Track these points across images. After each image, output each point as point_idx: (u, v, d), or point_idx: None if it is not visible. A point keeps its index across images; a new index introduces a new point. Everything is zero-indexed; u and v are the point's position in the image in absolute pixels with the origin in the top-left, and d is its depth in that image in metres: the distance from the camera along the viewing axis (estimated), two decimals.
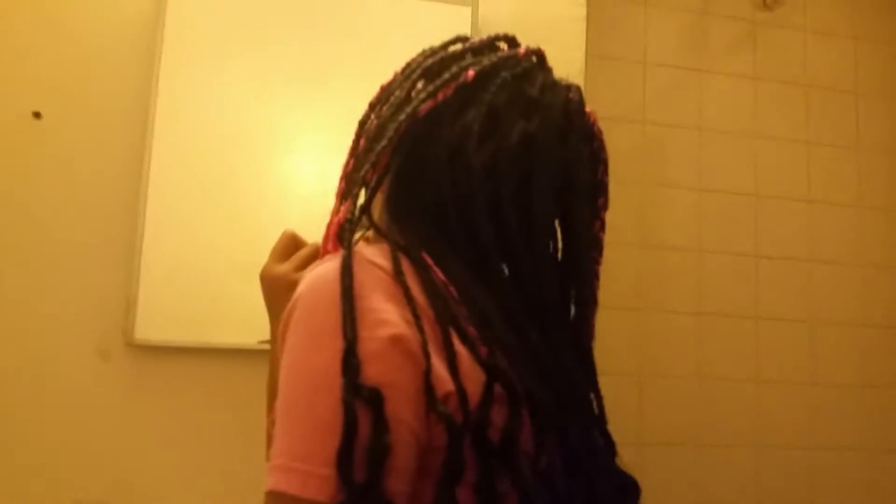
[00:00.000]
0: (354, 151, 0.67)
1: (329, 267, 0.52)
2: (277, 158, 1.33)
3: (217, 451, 1.22)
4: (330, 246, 0.62)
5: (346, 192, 0.64)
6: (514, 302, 0.58)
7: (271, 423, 0.66)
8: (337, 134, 1.23)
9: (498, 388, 0.50)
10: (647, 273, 1.59)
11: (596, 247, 0.66)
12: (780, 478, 1.59)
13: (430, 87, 0.61)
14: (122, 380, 1.18)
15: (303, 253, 0.75)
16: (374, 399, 0.46)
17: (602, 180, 0.67)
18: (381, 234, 0.59)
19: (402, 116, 0.60)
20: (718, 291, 1.63)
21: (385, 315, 0.50)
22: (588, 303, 0.65)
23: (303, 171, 1.33)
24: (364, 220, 0.61)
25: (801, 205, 1.71)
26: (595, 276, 0.66)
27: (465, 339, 0.51)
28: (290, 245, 0.76)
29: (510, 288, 0.59)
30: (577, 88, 0.65)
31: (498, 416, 0.50)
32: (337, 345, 0.47)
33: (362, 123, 0.67)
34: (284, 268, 0.74)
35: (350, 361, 0.47)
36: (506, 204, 0.60)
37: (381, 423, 0.46)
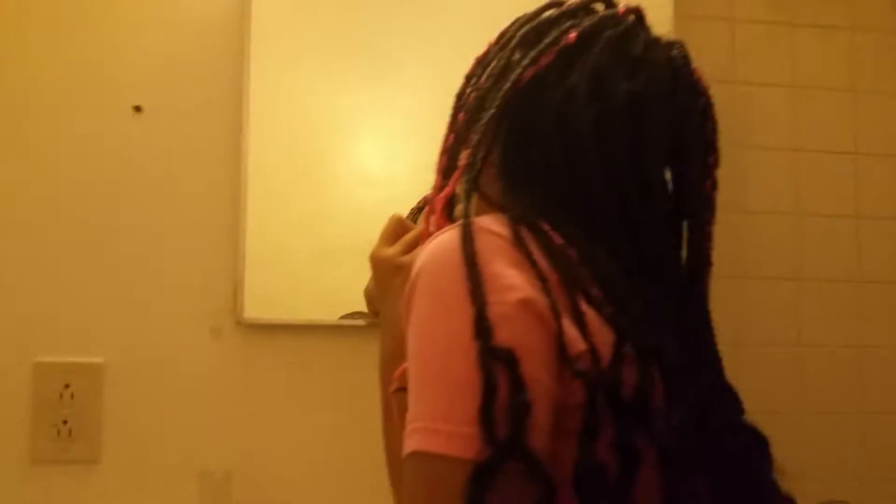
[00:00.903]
0: (453, 126, 0.68)
1: (449, 236, 0.54)
2: (359, 145, 1.38)
3: (323, 420, 1.28)
4: (437, 221, 0.63)
5: (448, 166, 0.66)
6: (632, 263, 0.59)
7: (388, 393, 0.68)
8: (406, 120, 1.32)
9: (627, 347, 0.51)
10: (743, 239, 1.55)
11: (709, 206, 0.66)
12: (886, 444, 1.54)
13: (533, 53, 0.61)
14: (234, 356, 1.25)
15: (409, 237, 0.76)
16: (510, 359, 0.47)
17: (712, 137, 0.66)
18: (493, 205, 0.60)
19: (507, 85, 0.61)
20: (818, 255, 1.57)
21: (510, 280, 0.51)
22: (703, 263, 0.65)
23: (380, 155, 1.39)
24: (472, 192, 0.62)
25: None
26: (709, 237, 0.66)
27: (590, 300, 0.52)
28: (398, 229, 0.77)
29: (627, 249, 0.59)
30: (681, 45, 0.65)
31: (629, 374, 0.51)
32: (466, 310, 0.48)
33: (459, 96, 0.69)
34: (392, 251, 0.75)
35: (482, 325, 0.48)
36: (617, 165, 0.60)
37: (518, 381, 0.47)
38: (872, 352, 1.57)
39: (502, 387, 0.46)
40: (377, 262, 0.76)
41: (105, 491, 1.16)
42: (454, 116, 0.69)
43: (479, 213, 0.60)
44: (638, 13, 0.66)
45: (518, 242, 0.53)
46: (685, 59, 0.64)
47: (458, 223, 0.55)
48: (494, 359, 0.47)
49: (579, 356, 0.50)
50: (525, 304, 0.50)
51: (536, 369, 0.48)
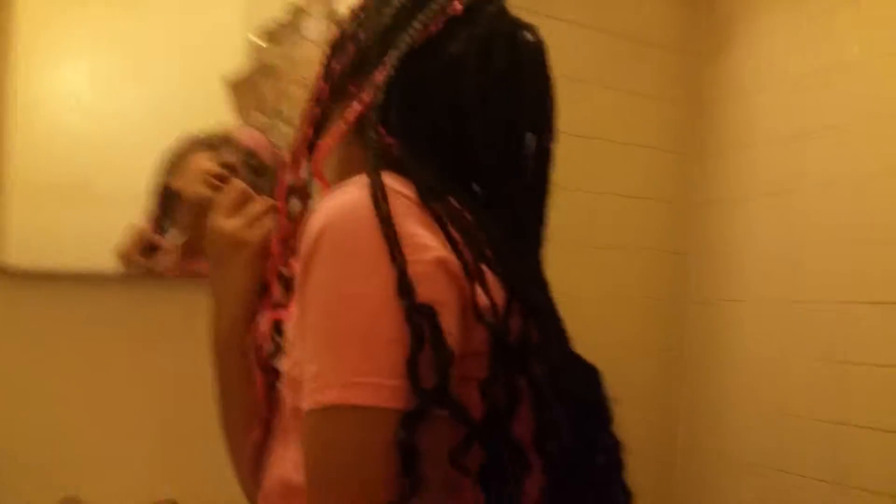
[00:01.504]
0: (328, 75, 0.71)
1: (356, 195, 0.56)
2: None
3: (98, 375, 1.17)
4: (317, 175, 0.68)
5: (320, 118, 0.70)
6: (508, 224, 0.66)
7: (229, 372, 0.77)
8: None
9: (515, 303, 0.58)
10: None
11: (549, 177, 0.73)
12: None
13: (423, 18, 0.65)
14: None
15: (255, 209, 0.77)
16: (431, 315, 0.52)
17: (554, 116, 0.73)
18: (399, 165, 0.61)
19: (401, 47, 0.64)
20: None
21: (424, 240, 0.55)
22: (544, 226, 0.72)
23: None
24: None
25: None
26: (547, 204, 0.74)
27: (486, 260, 0.58)
28: (239, 199, 0.78)
29: (505, 212, 0.67)
30: (536, 28, 0.71)
31: (515, 324, 0.58)
32: (387, 269, 0.52)
33: (335, 46, 0.71)
34: (234, 223, 0.76)
35: (405, 283, 0.52)
36: (497, 133, 0.67)
37: (439, 335, 0.52)
38: None
39: (427, 341, 0.51)
40: (215, 235, 0.76)
41: None
42: (327, 65, 0.71)
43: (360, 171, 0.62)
44: None
45: (426, 204, 0.57)
46: (543, 42, 0.70)
47: (357, 181, 0.57)
48: (419, 315, 0.51)
49: (484, 310, 0.55)
50: (440, 262, 0.54)
51: (450, 323, 0.53)
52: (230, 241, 0.77)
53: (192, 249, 1.30)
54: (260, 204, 0.79)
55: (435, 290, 0.53)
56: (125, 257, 1.24)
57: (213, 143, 1.35)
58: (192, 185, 1.30)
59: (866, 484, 1.53)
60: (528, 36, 0.70)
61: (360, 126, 0.64)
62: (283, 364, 0.66)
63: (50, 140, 1.15)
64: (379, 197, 0.55)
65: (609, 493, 0.67)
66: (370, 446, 0.51)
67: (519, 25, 0.70)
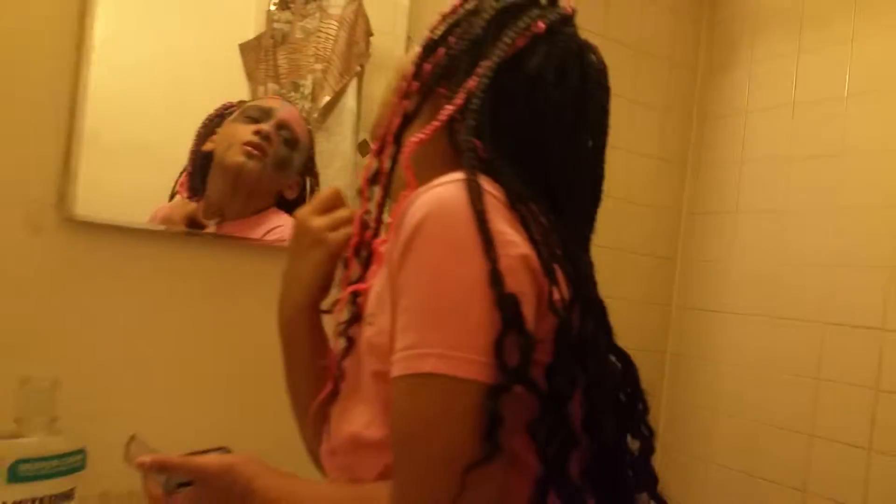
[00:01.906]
0: (419, 74, 0.77)
1: (454, 191, 0.63)
2: None
3: (162, 331, 1.23)
4: (406, 166, 0.73)
5: (410, 113, 0.77)
6: (573, 225, 0.75)
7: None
8: None
9: (579, 300, 0.66)
10: None
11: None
12: None
13: (511, 34, 0.73)
14: (61, 255, 1.13)
15: (340, 215, 0.86)
16: (516, 304, 0.59)
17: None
18: (488, 167, 0.68)
19: (494, 58, 0.72)
20: None
21: (511, 237, 0.63)
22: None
23: None
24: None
25: None
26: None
27: (558, 260, 0.65)
28: (332, 200, 0.88)
29: (572, 215, 0.76)
30: (597, 48, 0.80)
31: (575, 319, 0.65)
32: (479, 261, 0.60)
33: (426, 47, 0.78)
34: (320, 223, 0.86)
35: (496, 275, 0.59)
36: (567, 144, 0.76)
37: (522, 322, 0.59)
38: None
39: (512, 326, 0.59)
40: (302, 227, 0.86)
41: None
42: (419, 65, 0.78)
43: (442, 166, 0.69)
44: (574, 12, 0.79)
45: (513, 206, 0.65)
46: (604, 63, 0.80)
47: (454, 179, 0.64)
48: (507, 303, 0.59)
49: (556, 304, 0.63)
50: (524, 259, 0.62)
51: (529, 312, 0.61)
52: (313, 237, 0.86)
53: (223, 212, 1.35)
54: (346, 211, 0.87)
55: (519, 282, 0.61)
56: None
57: (250, 113, 1.41)
58: (228, 152, 1.36)
59: (832, 494, 1.66)
60: (594, 57, 0.79)
61: (448, 127, 0.72)
62: (364, 332, 0.74)
63: (122, 102, 1.21)
64: (475, 195, 0.62)
65: (640, 476, 0.73)
66: (456, 413, 0.59)
67: (587, 47, 0.78)
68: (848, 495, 1.63)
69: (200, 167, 1.37)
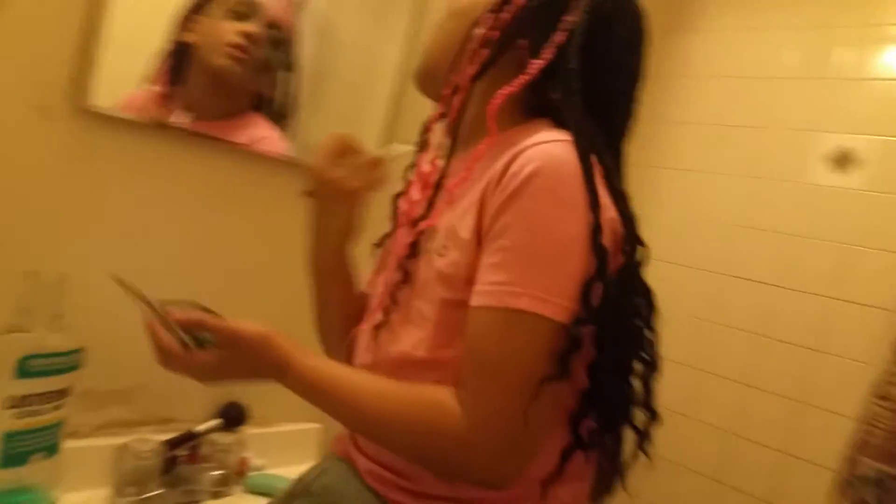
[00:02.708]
0: (497, 22, 0.80)
1: (564, 151, 0.71)
2: None
3: (174, 229, 1.22)
4: (493, 116, 0.78)
5: (487, 61, 0.81)
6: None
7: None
8: None
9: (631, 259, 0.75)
10: None
11: None
12: None
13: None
14: (72, 146, 1.07)
15: (357, 160, 0.93)
16: (606, 258, 0.69)
17: None
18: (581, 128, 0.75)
19: (583, 14, 0.79)
20: None
21: (605, 199, 0.71)
22: None
23: None
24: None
25: None
26: None
27: (623, 215, 0.74)
28: (342, 148, 0.92)
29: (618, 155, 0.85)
30: None
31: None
32: (584, 217, 0.69)
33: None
34: (338, 173, 0.92)
35: (597, 233, 0.69)
36: (631, 88, 0.84)
37: (607, 273, 0.69)
38: None
39: (601, 276, 0.69)
40: (321, 180, 0.93)
41: None
42: (496, 12, 0.81)
43: (517, 116, 0.81)
44: None
45: (604, 170, 0.73)
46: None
47: (563, 138, 0.72)
48: (601, 257, 0.69)
49: (625, 253, 0.73)
50: (612, 221, 0.72)
51: (611, 265, 0.70)
52: (334, 188, 0.92)
53: (203, 110, 1.29)
54: (362, 156, 0.91)
55: (607, 240, 0.69)
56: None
57: (237, 7, 1.33)
58: (212, 53, 1.29)
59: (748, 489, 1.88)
60: (636, 5, 0.84)
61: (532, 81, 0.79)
62: (434, 262, 0.79)
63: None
64: (585, 158, 0.70)
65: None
66: (541, 346, 0.68)
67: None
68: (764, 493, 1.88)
69: (179, 58, 1.29)
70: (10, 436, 0.94)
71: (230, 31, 1.29)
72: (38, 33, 1.01)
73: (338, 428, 0.86)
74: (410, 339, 0.80)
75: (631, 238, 0.74)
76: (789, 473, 1.80)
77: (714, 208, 2.03)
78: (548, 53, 0.78)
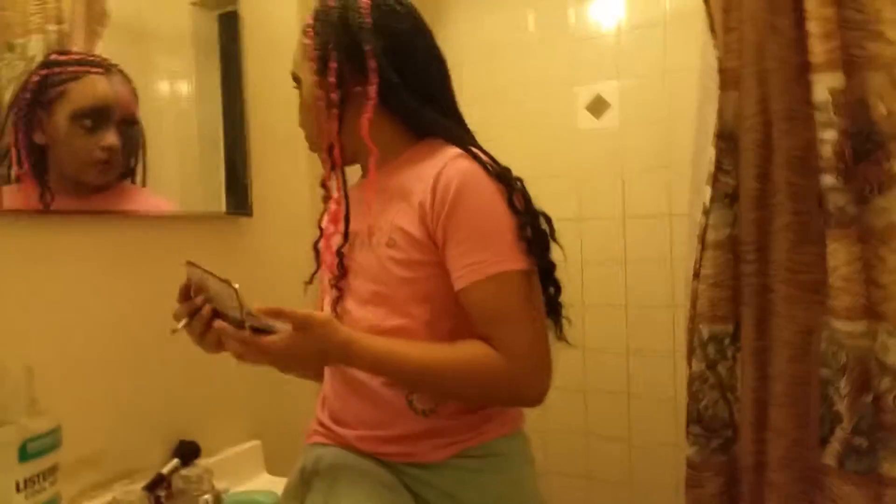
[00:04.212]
0: (329, 85, 1.04)
1: (464, 161, 1.01)
2: None
3: (86, 302, 1.32)
4: (369, 140, 1.03)
5: (338, 114, 1.04)
6: None
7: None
8: None
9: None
10: None
11: None
12: None
13: (362, 14, 1.03)
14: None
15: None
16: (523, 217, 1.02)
17: None
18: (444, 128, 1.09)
19: (373, 40, 1.03)
20: None
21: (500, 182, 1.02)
22: None
23: None
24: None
25: None
26: None
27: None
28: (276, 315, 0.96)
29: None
30: None
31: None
32: (500, 198, 1.00)
33: (320, 65, 1.05)
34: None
35: (512, 202, 1.00)
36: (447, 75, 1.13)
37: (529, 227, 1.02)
38: None
39: (528, 230, 1.00)
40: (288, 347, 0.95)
41: None
42: (323, 80, 1.05)
43: (382, 126, 1.06)
44: None
45: (485, 155, 1.05)
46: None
47: (458, 153, 1.02)
48: (519, 217, 1.00)
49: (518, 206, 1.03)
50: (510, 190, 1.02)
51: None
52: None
53: (77, 190, 1.33)
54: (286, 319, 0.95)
55: (517, 202, 1.01)
56: None
57: (85, 112, 1.30)
58: (80, 170, 1.32)
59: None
60: (404, 3, 1.08)
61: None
62: (386, 253, 1.03)
63: None
64: (479, 161, 1.01)
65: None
66: (522, 289, 0.99)
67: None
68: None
69: (35, 155, 1.25)
70: None
71: (88, 146, 1.30)
72: None
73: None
74: (374, 313, 1.05)
75: (524, 194, 1.03)
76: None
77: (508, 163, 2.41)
78: (373, 80, 1.02)
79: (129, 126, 1.38)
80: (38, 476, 1.06)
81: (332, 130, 1.05)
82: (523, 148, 2.34)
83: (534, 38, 2.41)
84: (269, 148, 1.70)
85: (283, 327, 0.94)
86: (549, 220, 1.06)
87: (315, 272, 1.20)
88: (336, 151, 1.05)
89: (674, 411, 2.11)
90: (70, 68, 1.29)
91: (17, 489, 1.03)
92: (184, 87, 1.59)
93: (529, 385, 0.99)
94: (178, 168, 1.57)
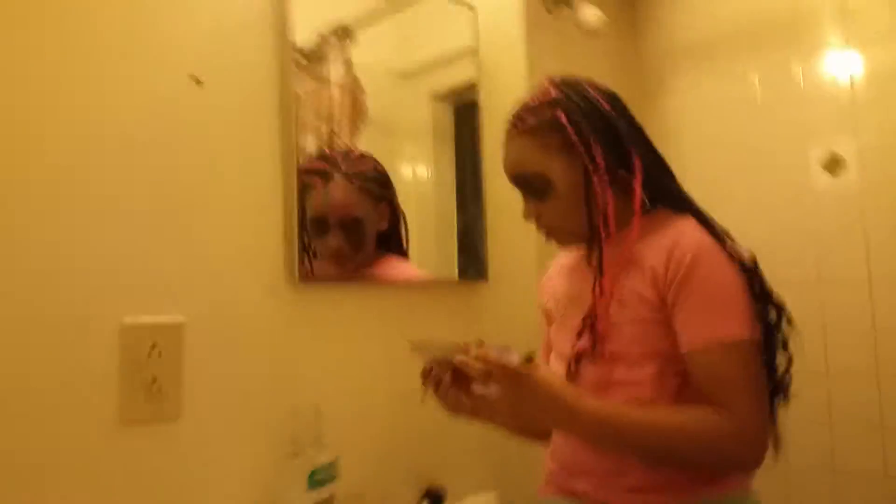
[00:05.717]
0: (600, 170, 1.14)
1: (700, 234, 1.11)
2: None
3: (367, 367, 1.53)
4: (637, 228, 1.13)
5: (614, 196, 1.15)
6: None
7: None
8: None
9: None
10: None
11: None
12: None
13: (611, 105, 1.19)
14: (295, 310, 1.41)
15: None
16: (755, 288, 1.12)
17: None
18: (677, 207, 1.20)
19: (632, 131, 1.19)
20: None
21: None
22: None
23: None
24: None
25: None
26: None
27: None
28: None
29: None
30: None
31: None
32: (732, 268, 1.10)
33: (589, 151, 1.15)
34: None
35: (747, 275, 1.11)
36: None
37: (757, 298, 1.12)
38: None
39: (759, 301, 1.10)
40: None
41: (190, 444, 1.22)
42: (593, 164, 1.15)
43: (623, 204, 1.17)
44: None
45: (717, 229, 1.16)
46: None
47: (692, 223, 1.13)
48: (752, 288, 1.10)
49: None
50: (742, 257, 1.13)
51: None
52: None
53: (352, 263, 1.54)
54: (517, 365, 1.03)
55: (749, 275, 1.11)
56: None
57: (317, 217, 1.45)
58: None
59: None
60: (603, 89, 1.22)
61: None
62: (624, 314, 1.12)
63: None
64: (714, 233, 1.12)
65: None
66: (752, 357, 1.06)
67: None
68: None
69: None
70: None
71: (323, 249, 1.46)
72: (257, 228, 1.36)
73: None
74: (635, 384, 1.11)
75: (754, 267, 1.12)
76: None
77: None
78: (637, 164, 1.15)
79: (351, 225, 1.50)
80: (321, 503, 1.26)
81: (609, 210, 1.13)
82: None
83: (759, 98, 2.37)
84: (503, 221, 1.86)
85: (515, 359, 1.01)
86: (781, 308, 1.13)
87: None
88: (611, 224, 1.13)
89: None
90: (301, 179, 1.41)
91: None
92: (423, 171, 1.82)
93: (752, 446, 1.01)
94: (419, 239, 1.74)
